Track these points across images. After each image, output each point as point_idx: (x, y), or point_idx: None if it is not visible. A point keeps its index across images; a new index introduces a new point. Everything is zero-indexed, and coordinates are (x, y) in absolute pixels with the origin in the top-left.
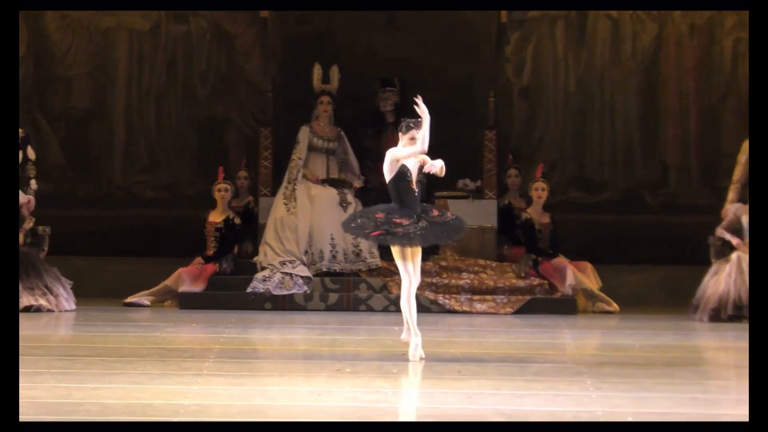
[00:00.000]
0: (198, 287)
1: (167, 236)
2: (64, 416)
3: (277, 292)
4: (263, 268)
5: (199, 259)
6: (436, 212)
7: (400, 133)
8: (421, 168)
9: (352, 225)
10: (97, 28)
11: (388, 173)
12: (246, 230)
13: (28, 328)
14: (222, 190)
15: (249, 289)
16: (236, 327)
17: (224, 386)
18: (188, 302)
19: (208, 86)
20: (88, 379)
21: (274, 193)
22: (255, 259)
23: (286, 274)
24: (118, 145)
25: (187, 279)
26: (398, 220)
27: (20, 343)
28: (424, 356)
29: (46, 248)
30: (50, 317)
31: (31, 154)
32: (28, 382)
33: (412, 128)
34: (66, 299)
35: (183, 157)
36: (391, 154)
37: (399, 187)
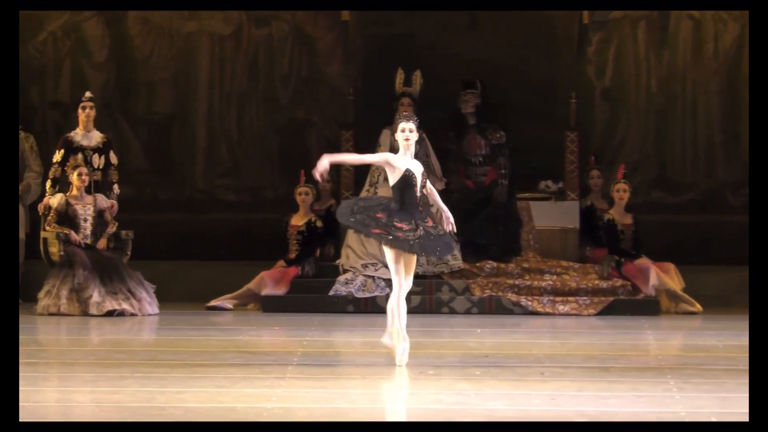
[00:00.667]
0: (280, 290)
1: (249, 240)
2: (148, 419)
3: (360, 294)
4: (345, 271)
5: (281, 263)
6: (430, 222)
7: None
8: (424, 174)
9: (351, 219)
10: (178, 33)
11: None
12: (328, 233)
13: (111, 332)
14: (304, 194)
15: (331, 292)
16: (319, 330)
17: (307, 389)
18: (271, 305)
19: (290, 89)
20: (172, 383)
21: (355, 196)
22: (337, 262)
23: (369, 276)
24: (200, 149)
25: (269, 282)
26: (399, 224)
27: (103, 348)
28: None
29: (129, 252)
30: (133, 321)
31: (113, 158)
32: (111, 387)
33: (401, 121)
34: (149, 303)
35: (265, 160)
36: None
37: (403, 192)
